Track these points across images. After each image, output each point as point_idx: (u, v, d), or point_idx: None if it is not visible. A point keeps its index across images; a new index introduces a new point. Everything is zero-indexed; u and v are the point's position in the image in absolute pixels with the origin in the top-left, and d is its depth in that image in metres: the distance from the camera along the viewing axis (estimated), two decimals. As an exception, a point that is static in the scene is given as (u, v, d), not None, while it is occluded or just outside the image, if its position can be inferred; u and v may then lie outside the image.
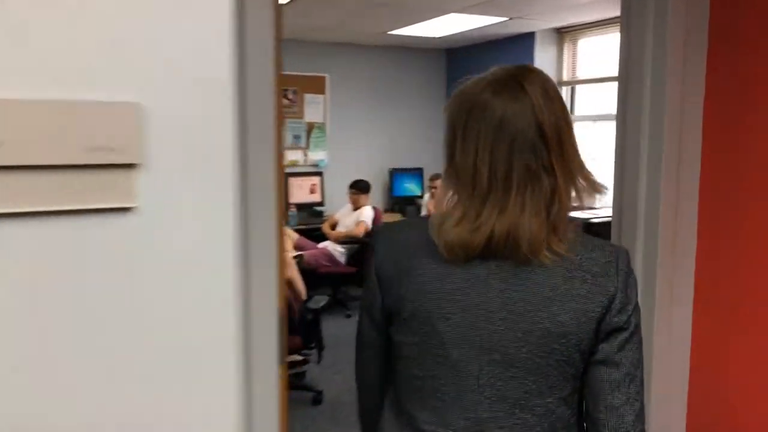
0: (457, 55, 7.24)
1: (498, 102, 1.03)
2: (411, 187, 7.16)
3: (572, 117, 5.56)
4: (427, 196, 6.45)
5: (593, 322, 1.02)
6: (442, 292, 1.05)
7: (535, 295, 1.02)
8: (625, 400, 1.03)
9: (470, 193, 1.03)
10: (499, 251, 1.02)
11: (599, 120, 5.85)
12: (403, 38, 6.44)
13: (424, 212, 6.47)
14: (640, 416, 1.05)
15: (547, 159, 1.02)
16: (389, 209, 7.13)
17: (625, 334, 1.04)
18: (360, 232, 5.71)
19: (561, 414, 1.06)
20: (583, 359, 1.04)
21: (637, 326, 1.06)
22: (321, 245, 5.81)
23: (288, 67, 6.89)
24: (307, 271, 5.57)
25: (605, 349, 1.04)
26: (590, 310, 1.02)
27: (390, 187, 7.05)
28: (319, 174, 6.62)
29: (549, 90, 1.05)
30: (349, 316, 5.50)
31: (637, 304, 1.06)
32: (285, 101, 6.58)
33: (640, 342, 1.06)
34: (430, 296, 1.05)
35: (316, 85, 6.71)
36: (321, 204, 6.57)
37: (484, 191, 1.02)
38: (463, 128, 1.06)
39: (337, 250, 5.74)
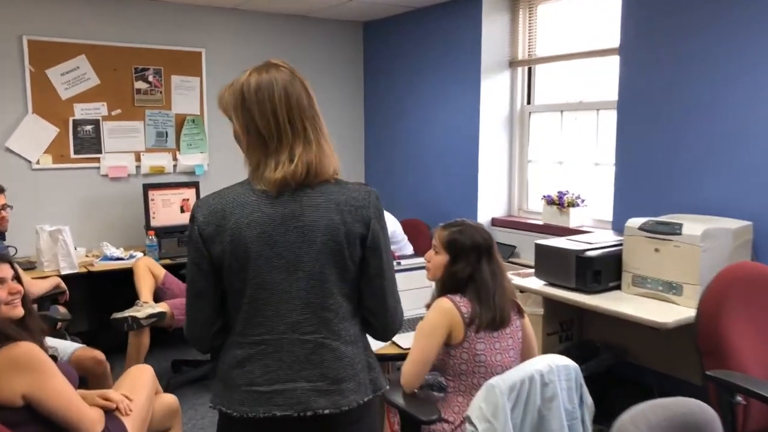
0: (377, 29, 5.64)
1: (260, 80, 1.48)
2: (321, 200, 5.49)
3: (531, 107, 3.90)
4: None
5: (358, 240, 1.46)
6: (256, 230, 1.42)
7: (321, 220, 1.44)
8: (395, 299, 1.56)
9: (267, 148, 1.45)
10: (296, 185, 1.44)
11: (569, 110, 4.42)
12: (304, 2, 4.78)
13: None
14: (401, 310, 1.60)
15: (301, 121, 1.48)
16: (293, 229, 5.42)
17: (385, 254, 1.51)
18: None
19: (347, 308, 1.50)
20: (356, 269, 1.49)
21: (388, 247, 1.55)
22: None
23: (148, 38, 4.28)
24: (174, 333, 3.81)
25: (374, 263, 1.49)
26: (355, 230, 1.46)
27: (293, 201, 5.35)
28: (194, 185, 4.82)
29: (294, 71, 1.56)
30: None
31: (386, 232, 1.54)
32: (143, 85, 4.74)
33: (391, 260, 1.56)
34: (248, 236, 1.41)
35: (189, 64, 4.92)
36: (198, 226, 4.78)
37: (281, 145, 1.45)
38: (247, 107, 1.46)
39: None
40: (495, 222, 4.75)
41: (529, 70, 4.71)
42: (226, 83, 5.46)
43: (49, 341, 2.92)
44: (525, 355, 2.28)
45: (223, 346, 1.51)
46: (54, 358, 2.08)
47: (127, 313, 3.55)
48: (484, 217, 4.75)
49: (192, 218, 1.45)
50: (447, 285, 2.21)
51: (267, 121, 1.43)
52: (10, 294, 2.07)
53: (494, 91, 4.68)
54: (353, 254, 1.46)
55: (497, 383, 1.90)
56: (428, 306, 2.25)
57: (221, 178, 4.99)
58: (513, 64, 4.71)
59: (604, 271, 3.18)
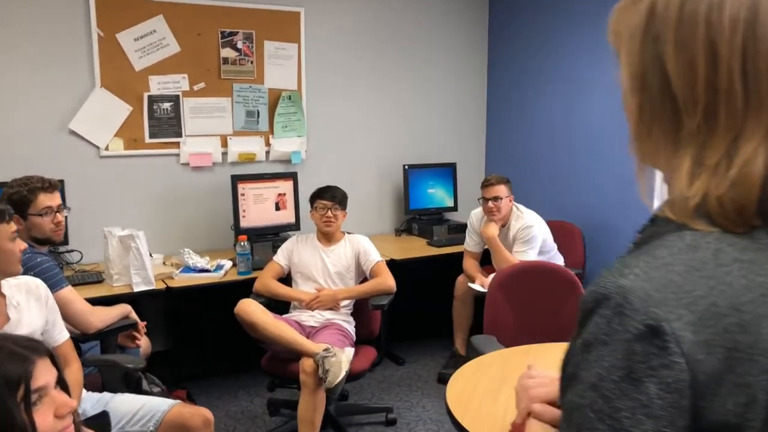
0: (507, -16, 4.60)
1: None
2: (438, 195, 4.52)
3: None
4: (478, 212, 3.81)
5: None
6: None
7: None
8: None
9: (678, 129, 0.65)
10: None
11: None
12: (431, -56, 3.79)
13: (470, 240, 3.83)
14: None
15: None
16: (404, 230, 4.48)
17: None
18: (391, 280, 3.10)
19: None
20: None
21: None
22: (302, 318, 3.10)
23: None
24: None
25: None
26: None
27: (406, 196, 4.41)
28: (291, 176, 3.94)
29: None
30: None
31: None
32: (231, 53, 3.87)
33: None
34: None
35: (285, 27, 4.02)
36: (295, 227, 3.90)
37: (714, 125, 0.63)
38: (655, 36, 0.65)
39: (345, 321, 3.10)
40: (674, 227, 3.66)
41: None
42: (329, 50, 4.35)
43: (130, 401, 2.13)
44: None
45: None
46: None
47: (342, 371, 2.64)
48: (659, 221, 3.67)
49: (653, 332, 0.58)
50: None
51: (690, 67, 0.63)
52: (58, 417, 1.18)
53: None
54: None
55: None
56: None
57: (323, 169, 4.12)
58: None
59: None
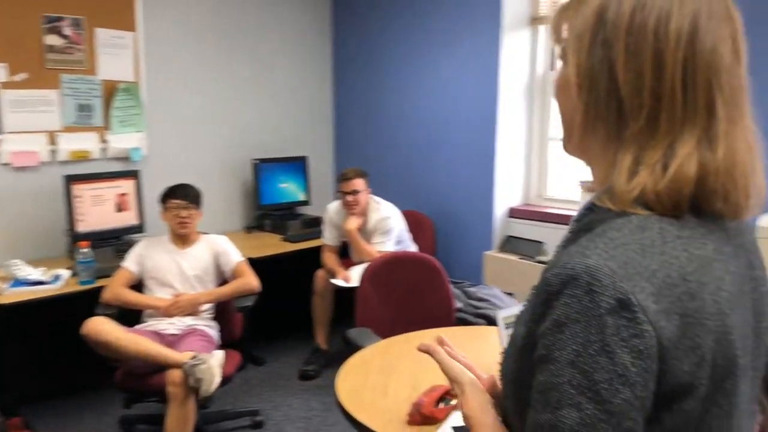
0: (349, -22, 4.64)
1: None
2: (290, 189, 4.46)
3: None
4: (334, 205, 3.80)
5: None
6: (738, 314, 0.71)
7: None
8: None
9: (621, 129, 0.71)
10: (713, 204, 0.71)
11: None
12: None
13: (329, 234, 3.82)
14: None
15: (707, 90, 0.70)
16: (256, 227, 4.36)
17: None
18: (255, 280, 3.01)
19: None
20: None
21: None
22: (159, 327, 2.89)
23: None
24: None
25: None
26: None
27: (256, 191, 4.29)
28: (133, 175, 3.66)
29: None
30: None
31: None
32: (57, 40, 3.49)
33: None
34: (733, 326, 0.69)
35: (119, 13, 3.70)
36: (140, 229, 3.64)
37: (655, 129, 0.70)
38: (605, 39, 0.70)
39: (208, 326, 2.94)
40: (513, 213, 3.95)
41: (551, 28, 3.91)
42: (170, 40, 4.18)
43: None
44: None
45: None
46: None
47: (215, 377, 2.50)
48: (500, 208, 3.94)
49: (622, 305, 0.63)
50: None
51: (638, 75, 0.69)
52: None
53: (514, 54, 3.84)
54: None
55: None
56: None
57: (166, 165, 3.89)
58: (535, 21, 3.88)
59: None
